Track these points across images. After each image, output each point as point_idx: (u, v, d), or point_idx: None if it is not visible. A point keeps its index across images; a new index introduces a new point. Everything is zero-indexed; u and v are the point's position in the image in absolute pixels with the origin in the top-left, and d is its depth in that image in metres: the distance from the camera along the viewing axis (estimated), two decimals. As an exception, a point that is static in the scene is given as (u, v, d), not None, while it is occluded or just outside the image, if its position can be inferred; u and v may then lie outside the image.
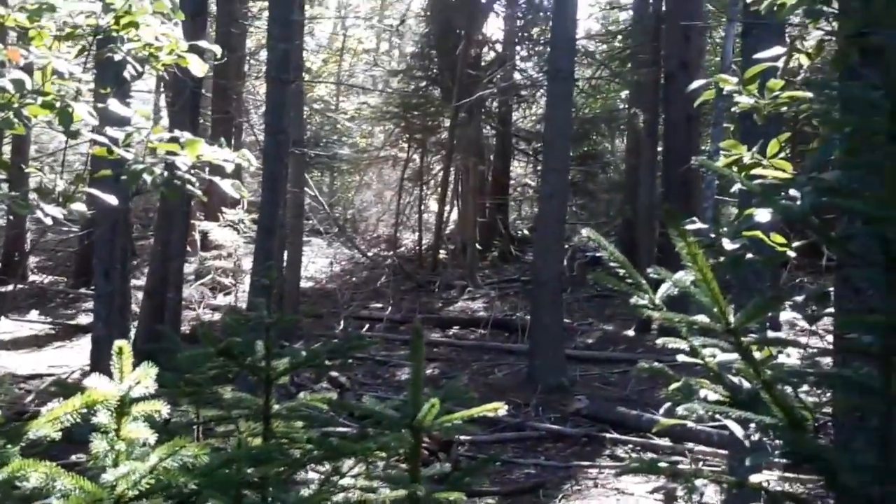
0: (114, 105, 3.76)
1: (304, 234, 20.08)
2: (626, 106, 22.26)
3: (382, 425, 3.37)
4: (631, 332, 15.49)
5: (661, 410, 2.77)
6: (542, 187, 14.36)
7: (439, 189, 22.46)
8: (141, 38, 3.81)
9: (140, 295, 14.45)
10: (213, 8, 20.89)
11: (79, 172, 3.91)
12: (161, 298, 13.54)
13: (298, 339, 13.90)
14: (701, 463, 9.10)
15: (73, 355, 14.11)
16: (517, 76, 22.74)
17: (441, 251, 22.27)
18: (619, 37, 22.93)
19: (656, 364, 2.26)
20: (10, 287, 18.79)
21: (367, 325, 16.63)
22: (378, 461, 3.58)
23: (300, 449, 3.72)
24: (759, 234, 2.84)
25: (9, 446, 2.18)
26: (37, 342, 15.52)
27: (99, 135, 3.66)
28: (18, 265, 19.20)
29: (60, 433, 2.34)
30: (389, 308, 17.79)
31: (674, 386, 2.38)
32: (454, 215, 23.65)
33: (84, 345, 13.85)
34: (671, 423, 2.67)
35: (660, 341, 2.15)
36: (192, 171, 4.02)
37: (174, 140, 3.67)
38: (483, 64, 22.24)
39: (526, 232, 24.13)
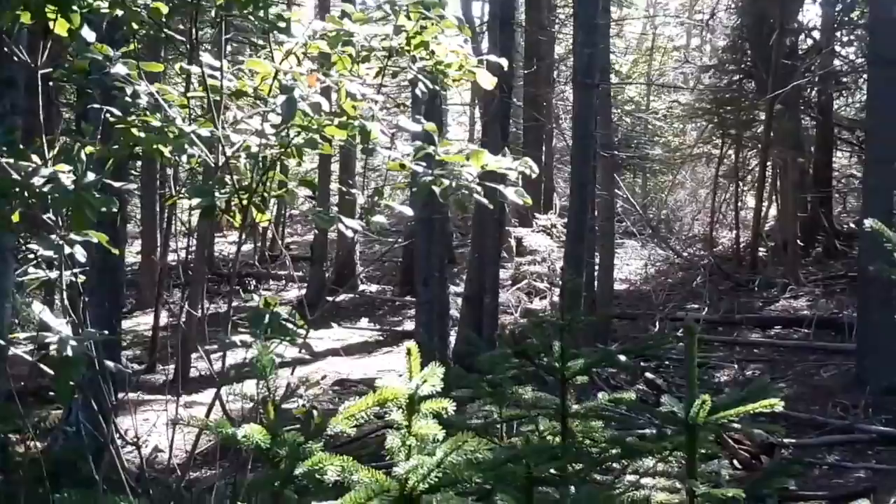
0: (402, 121, 3.98)
1: (618, 237, 20.08)
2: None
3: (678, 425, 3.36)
4: (976, 329, 14.31)
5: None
6: (865, 179, 13.62)
7: (756, 185, 21.78)
8: (431, 56, 4.01)
9: (461, 301, 15.02)
10: (522, 17, 21.36)
11: (377, 187, 4.16)
12: (479, 303, 14.00)
13: (613, 342, 13.93)
14: None
15: (400, 360, 14.82)
16: (837, 63, 21.62)
17: (760, 249, 21.57)
18: (951, 11, 21.28)
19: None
20: (343, 297, 20.11)
21: (682, 327, 16.33)
22: (678, 460, 3.57)
23: (597, 448, 3.77)
24: None
25: (310, 443, 2.37)
26: (367, 348, 16.50)
27: (393, 150, 3.90)
28: (349, 276, 20.48)
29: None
30: (707, 308, 17.43)
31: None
32: (773, 211, 22.84)
33: (409, 350, 14.56)
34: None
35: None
36: (511, 182, 4.18)
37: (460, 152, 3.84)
38: (799, 52, 21.35)
39: (852, 226, 22.86)
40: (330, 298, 18.47)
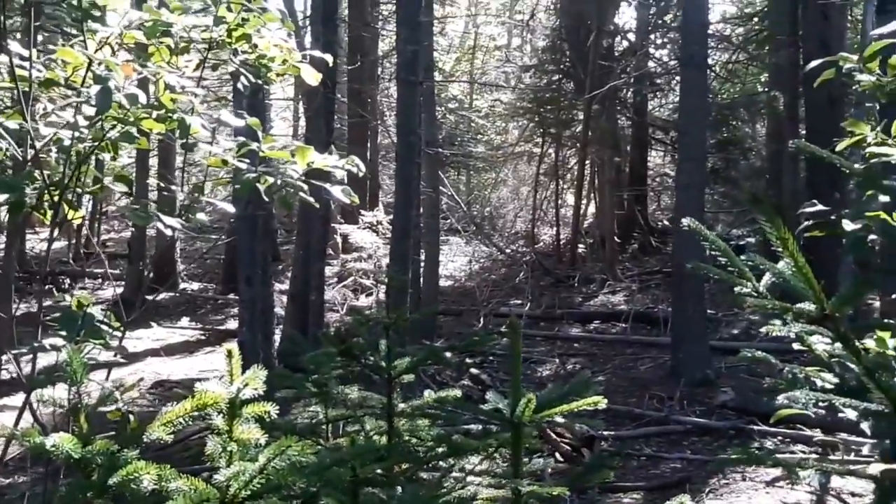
0: (225, 115, 3.87)
1: (442, 234, 20.23)
2: (766, 89, 21.66)
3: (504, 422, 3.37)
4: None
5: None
6: (678, 177, 14.12)
7: (575, 183, 22.33)
8: (254, 50, 3.91)
9: (286, 299, 14.81)
10: (345, 13, 21.25)
11: (197, 183, 4.02)
12: (305, 301, 13.81)
13: (438, 338, 14.00)
14: (853, 454, 8.80)
15: (223, 360, 14.48)
16: (651, 64, 22.40)
17: (579, 245, 22.12)
18: (756, 18, 22.36)
19: (759, 353, 2.20)
20: (162, 295, 19.54)
21: (506, 322, 16.56)
22: (503, 457, 3.58)
23: (423, 446, 3.75)
24: (882, 214, 2.73)
25: (125, 451, 2.26)
26: (188, 348, 16.06)
27: (214, 146, 3.77)
28: (169, 274, 19.92)
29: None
30: (529, 304, 17.75)
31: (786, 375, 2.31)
32: (591, 209, 23.46)
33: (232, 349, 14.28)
34: (789, 412, 2.59)
35: (763, 329, 2.09)
36: (336, 180, 4.10)
37: (281, 148, 3.75)
38: (616, 54, 22.00)
39: (666, 223, 23.74)
40: (149, 297, 17.91)
